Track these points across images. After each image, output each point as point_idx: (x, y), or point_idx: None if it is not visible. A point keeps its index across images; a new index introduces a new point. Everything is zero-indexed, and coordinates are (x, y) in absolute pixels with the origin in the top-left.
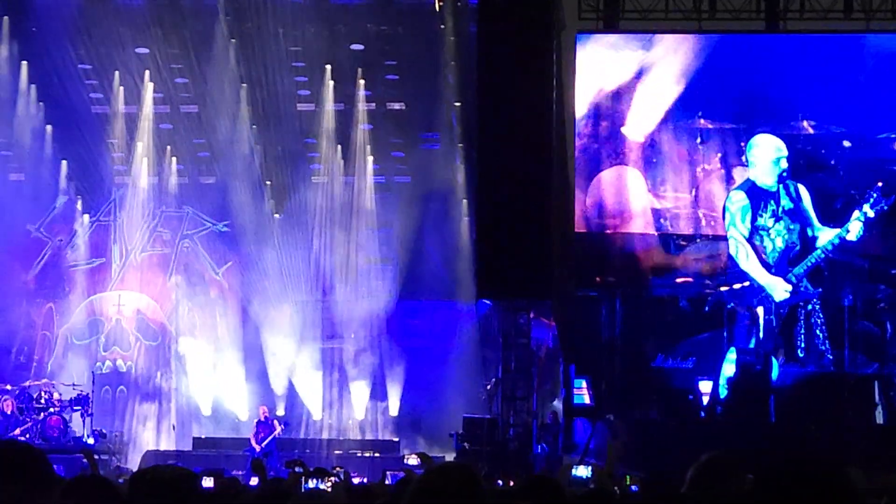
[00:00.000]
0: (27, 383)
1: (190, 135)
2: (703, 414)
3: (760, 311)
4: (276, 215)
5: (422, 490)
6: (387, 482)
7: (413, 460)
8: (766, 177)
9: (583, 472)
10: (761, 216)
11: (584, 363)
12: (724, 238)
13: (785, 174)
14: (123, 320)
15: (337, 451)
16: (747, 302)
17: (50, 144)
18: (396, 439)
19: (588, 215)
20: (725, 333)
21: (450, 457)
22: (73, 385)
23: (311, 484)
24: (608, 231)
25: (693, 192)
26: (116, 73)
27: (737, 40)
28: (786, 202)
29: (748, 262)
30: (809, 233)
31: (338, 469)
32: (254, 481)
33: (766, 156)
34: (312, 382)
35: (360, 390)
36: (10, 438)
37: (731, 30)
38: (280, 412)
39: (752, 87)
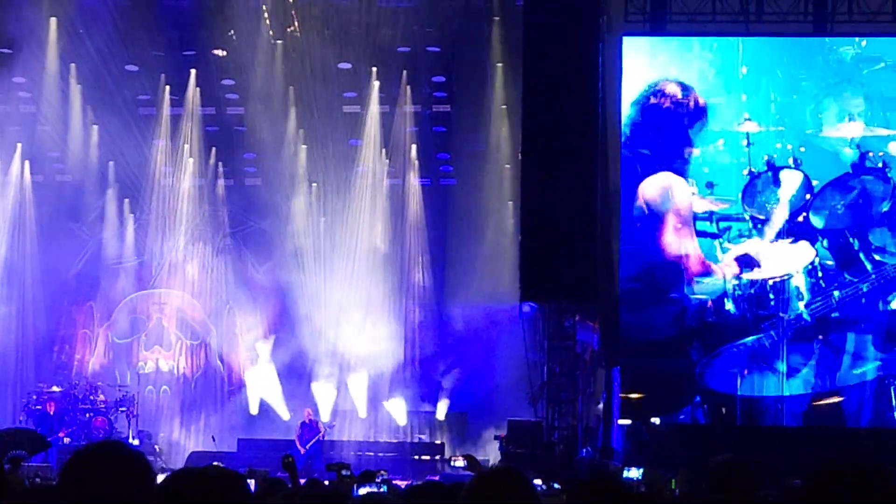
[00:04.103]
0: (74, 383)
1: (235, 136)
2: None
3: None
4: (322, 217)
5: (474, 495)
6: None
7: (460, 462)
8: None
9: (634, 473)
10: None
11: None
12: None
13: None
14: (164, 319)
15: (382, 454)
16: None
17: (96, 145)
18: (442, 442)
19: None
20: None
21: (495, 460)
22: (119, 386)
23: (363, 491)
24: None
25: (740, 195)
26: (163, 74)
27: (784, 42)
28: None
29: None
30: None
31: (382, 472)
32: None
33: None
34: (356, 384)
35: (405, 392)
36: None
37: (778, 32)
38: (325, 416)
39: (799, 89)
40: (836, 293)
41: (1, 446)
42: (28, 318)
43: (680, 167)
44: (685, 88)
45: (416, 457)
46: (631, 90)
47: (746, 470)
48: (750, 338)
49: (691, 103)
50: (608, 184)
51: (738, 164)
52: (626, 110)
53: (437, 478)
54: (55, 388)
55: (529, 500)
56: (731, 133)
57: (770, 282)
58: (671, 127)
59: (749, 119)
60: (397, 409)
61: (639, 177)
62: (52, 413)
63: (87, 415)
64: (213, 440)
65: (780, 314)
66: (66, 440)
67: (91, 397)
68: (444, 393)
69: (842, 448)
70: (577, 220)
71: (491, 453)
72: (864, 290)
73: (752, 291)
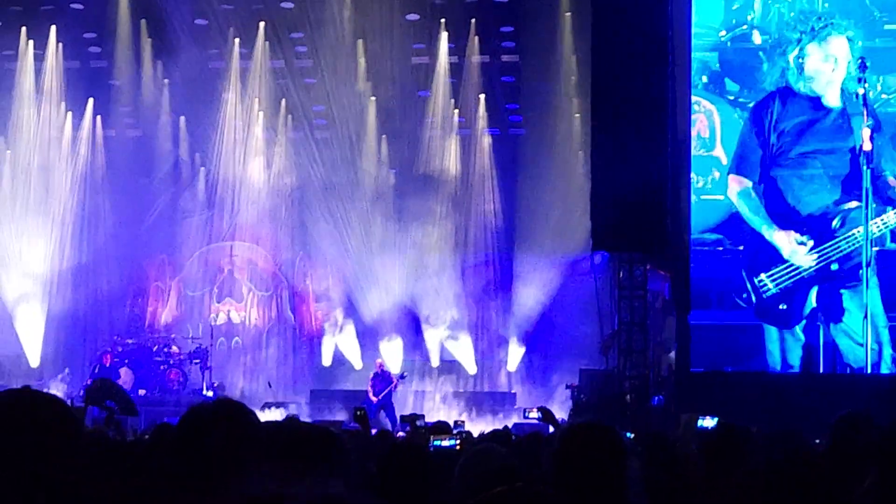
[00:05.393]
0: (147, 336)
1: (304, 90)
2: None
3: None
4: (392, 169)
5: (567, 446)
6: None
7: (534, 414)
8: None
9: (709, 422)
10: None
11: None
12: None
13: None
14: (236, 271)
15: (454, 404)
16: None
17: (167, 100)
18: (514, 391)
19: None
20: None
21: (566, 409)
22: (192, 338)
23: (446, 443)
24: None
25: (817, 142)
26: (231, 28)
27: None
28: None
29: None
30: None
31: (459, 421)
32: None
33: None
34: (429, 336)
35: (476, 343)
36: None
37: None
38: (395, 367)
39: (881, 32)
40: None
41: (99, 392)
42: (101, 271)
43: (758, 114)
44: (764, 33)
45: (490, 406)
46: (706, 36)
47: (870, 423)
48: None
49: (770, 48)
50: (677, 131)
51: (816, 111)
52: (703, 56)
53: (510, 426)
54: (130, 341)
55: (620, 455)
56: (812, 79)
57: (848, 233)
58: (751, 73)
59: (834, 69)
60: (468, 358)
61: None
62: (107, 365)
63: (161, 367)
64: (270, 386)
65: (859, 263)
66: (141, 392)
67: (165, 350)
68: (513, 343)
69: None
70: (647, 168)
71: (562, 403)
72: None
73: (832, 241)
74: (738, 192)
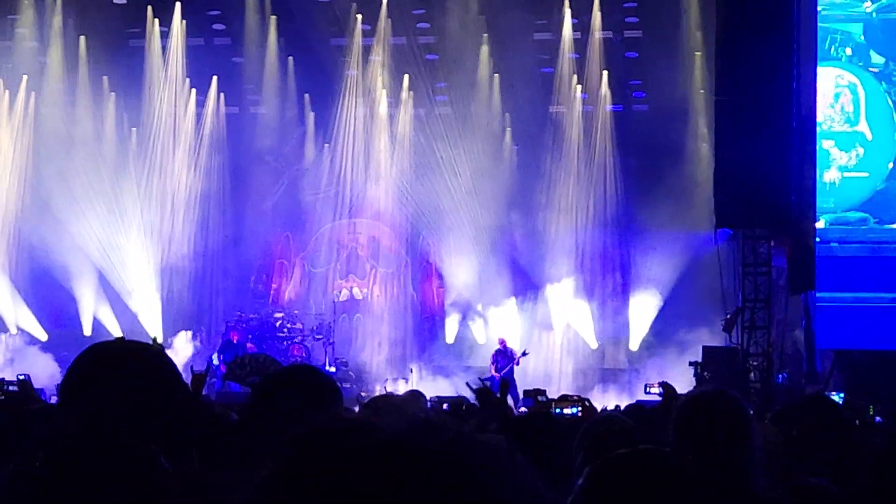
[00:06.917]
0: (270, 311)
1: (427, 66)
2: None
3: None
4: (514, 146)
5: (688, 411)
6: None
7: (655, 389)
8: None
9: (835, 399)
10: None
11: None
12: None
13: None
14: (359, 248)
15: (576, 380)
16: None
17: (292, 77)
18: (636, 367)
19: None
20: None
21: (689, 387)
22: (315, 314)
23: (568, 410)
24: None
25: None
26: (354, 4)
27: None
28: None
29: None
30: None
31: (576, 397)
32: None
33: None
34: (551, 312)
35: (597, 319)
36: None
37: None
38: (517, 344)
39: None
40: None
41: (241, 367)
42: (226, 248)
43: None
44: None
45: (610, 382)
46: (850, 6)
47: None
48: None
49: None
50: (801, 105)
51: None
52: (846, 27)
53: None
54: (252, 316)
55: (743, 421)
56: None
57: None
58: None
59: None
60: (589, 334)
61: None
62: (234, 342)
63: (285, 343)
64: (411, 371)
65: None
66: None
67: (288, 325)
68: (635, 319)
69: None
70: (772, 144)
71: (685, 380)
72: None
73: None
74: None
